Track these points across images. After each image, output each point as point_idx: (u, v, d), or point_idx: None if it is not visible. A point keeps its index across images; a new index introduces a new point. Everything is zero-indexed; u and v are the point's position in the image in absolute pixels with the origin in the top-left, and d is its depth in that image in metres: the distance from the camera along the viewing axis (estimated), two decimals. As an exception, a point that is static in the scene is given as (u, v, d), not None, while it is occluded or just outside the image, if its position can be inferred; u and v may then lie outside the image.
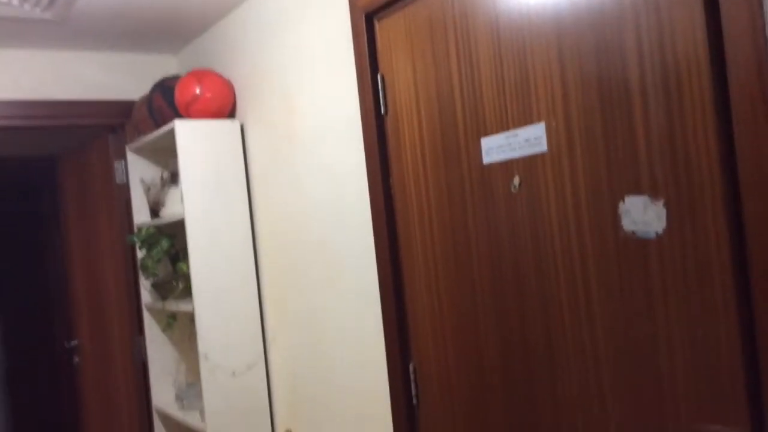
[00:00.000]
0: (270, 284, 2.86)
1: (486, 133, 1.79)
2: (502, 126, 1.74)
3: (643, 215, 1.44)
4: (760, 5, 1.24)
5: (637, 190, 1.45)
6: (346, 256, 2.38)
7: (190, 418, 2.97)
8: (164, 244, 3.06)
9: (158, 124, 3.02)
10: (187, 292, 2.95)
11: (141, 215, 3.29)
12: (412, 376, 2.17)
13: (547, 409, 1.71)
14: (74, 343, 3.91)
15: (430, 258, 2.03)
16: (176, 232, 3.05)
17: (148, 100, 3.06)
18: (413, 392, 2.17)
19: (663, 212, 1.41)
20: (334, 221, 2.42)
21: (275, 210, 2.78)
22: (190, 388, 3.10)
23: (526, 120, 1.68)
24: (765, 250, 1.27)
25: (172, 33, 3.12)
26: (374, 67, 2.16)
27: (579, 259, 1.59)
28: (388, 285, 2.18)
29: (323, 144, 2.45)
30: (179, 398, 3.13)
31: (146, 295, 3.31)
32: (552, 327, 1.67)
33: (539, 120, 1.64)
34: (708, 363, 1.38)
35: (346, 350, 2.43)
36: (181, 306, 2.97)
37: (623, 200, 1.48)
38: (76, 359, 3.91)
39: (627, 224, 1.47)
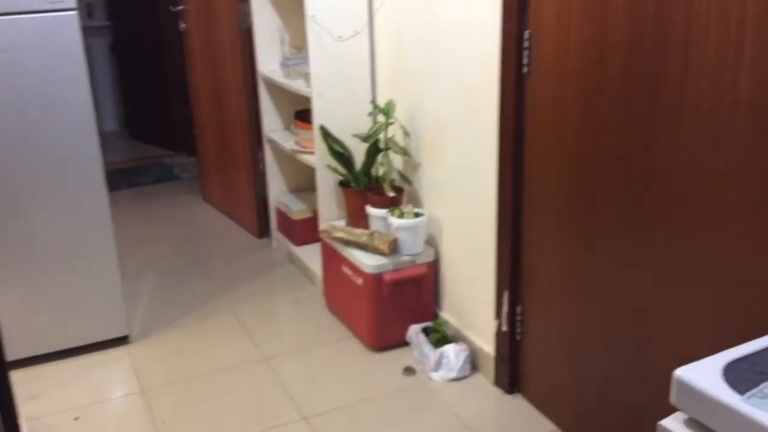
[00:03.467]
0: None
1: None
2: None
3: None
4: None
5: None
6: None
7: (296, 85, 3.05)
8: None
9: None
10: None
11: None
12: (526, 44, 2.09)
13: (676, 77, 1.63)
14: (180, 8, 3.94)
15: None
16: None
17: None
18: (525, 61, 2.11)
19: None
20: None
21: None
22: (296, 56, 3.13)
23: None
24: None
25: None
26: None
27: None
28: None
29: None
30: (284, 65, 3.19)
31: (251, -42, 3.22)
32: None
33: None
34: None
35: (457, 15, 2.34)
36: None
37: None
38: (182, 25, 3.97)
39: None
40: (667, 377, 1.71)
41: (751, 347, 0.91)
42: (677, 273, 1.72)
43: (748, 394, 0.81)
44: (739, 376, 0.85)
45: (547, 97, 2.05)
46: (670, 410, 0.91)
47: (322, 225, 2.93)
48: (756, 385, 0.83)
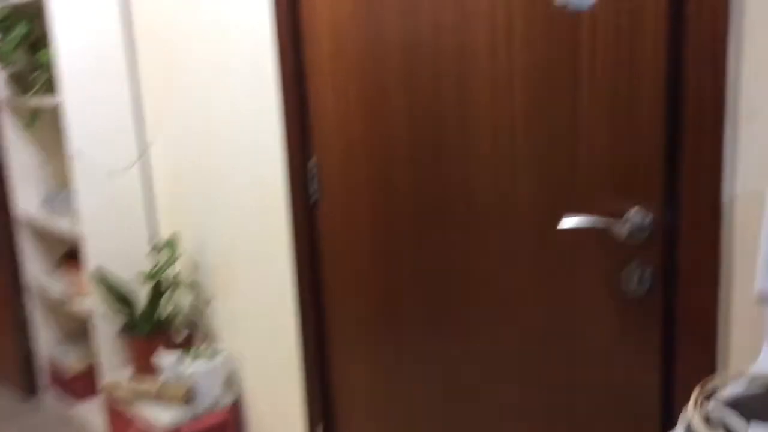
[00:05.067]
0: (150, 73, 2.58)
1: None
2: None
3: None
4: None
5: (581, -50, 1.35)
6: (238, 31, 2.16)
7: (62, 225, 2.75)
8: (22, 29, 2.66)
9: None
10: (50, 85, 2.62)
11: (-11, -5, 2.83)
12: (312, 172, 2.07)
13: (457, 188, 1.68)
14: None
15: (336, 38, 1.87)
16: (35, 14, 2.65)
17: None
18: (313, 189, 2.08)
19: (606, -25, 1.33)
20: None
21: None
22: (60, 193, 2.84)
23: None
24: (702, 21, 1.22)
25: None
26: None
27: (505, 36, 1.49)
28: (287, 65, 2.00)
29: None
30: (47, 204, 2.88)
31: (2, 89, 2.92)
32: (469, 103, 1.60)
33: None
34: (629, 140, 1.36)
35: (238, 145, 2.28)
36: (45, 101, 2.65)
37: (565, -37, 1.37)
38: None
39: (565, -9, 1.38)
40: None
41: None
42: (483, 377, 1.72)
43: None
44: None
45: (339, 222, 2.02)
46: None
47: (104, 381, 2.59)
48: None
